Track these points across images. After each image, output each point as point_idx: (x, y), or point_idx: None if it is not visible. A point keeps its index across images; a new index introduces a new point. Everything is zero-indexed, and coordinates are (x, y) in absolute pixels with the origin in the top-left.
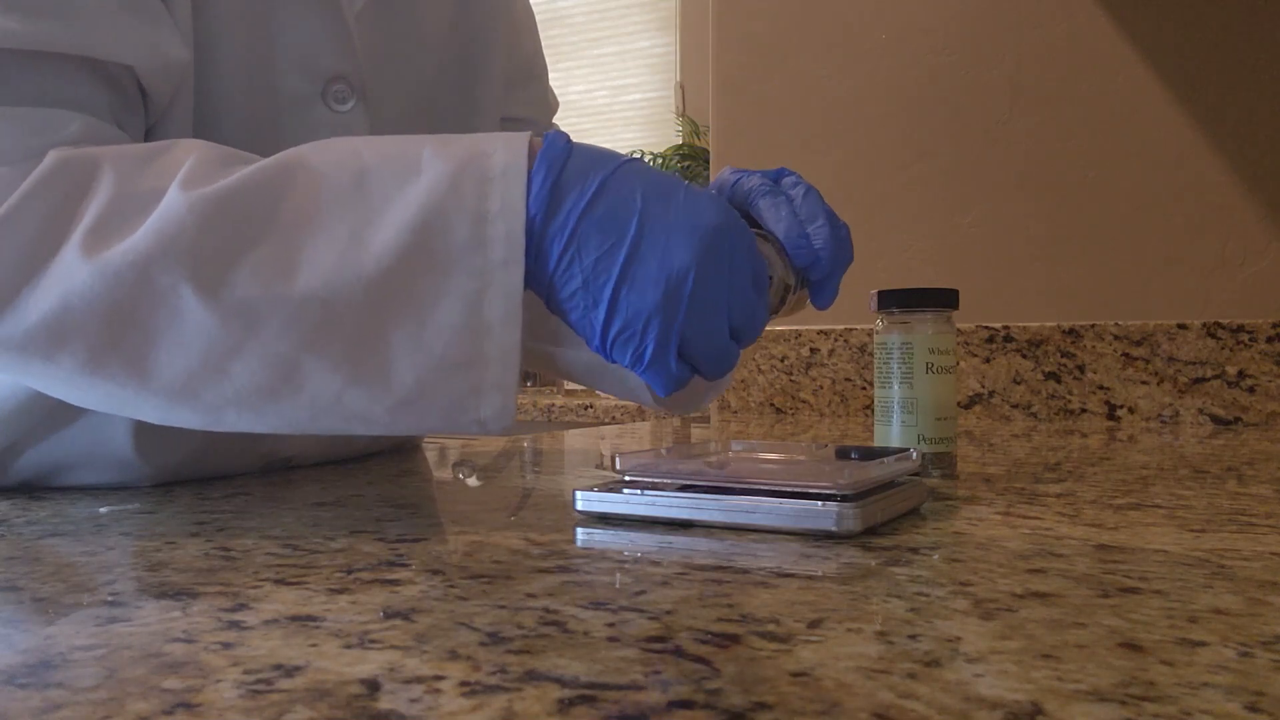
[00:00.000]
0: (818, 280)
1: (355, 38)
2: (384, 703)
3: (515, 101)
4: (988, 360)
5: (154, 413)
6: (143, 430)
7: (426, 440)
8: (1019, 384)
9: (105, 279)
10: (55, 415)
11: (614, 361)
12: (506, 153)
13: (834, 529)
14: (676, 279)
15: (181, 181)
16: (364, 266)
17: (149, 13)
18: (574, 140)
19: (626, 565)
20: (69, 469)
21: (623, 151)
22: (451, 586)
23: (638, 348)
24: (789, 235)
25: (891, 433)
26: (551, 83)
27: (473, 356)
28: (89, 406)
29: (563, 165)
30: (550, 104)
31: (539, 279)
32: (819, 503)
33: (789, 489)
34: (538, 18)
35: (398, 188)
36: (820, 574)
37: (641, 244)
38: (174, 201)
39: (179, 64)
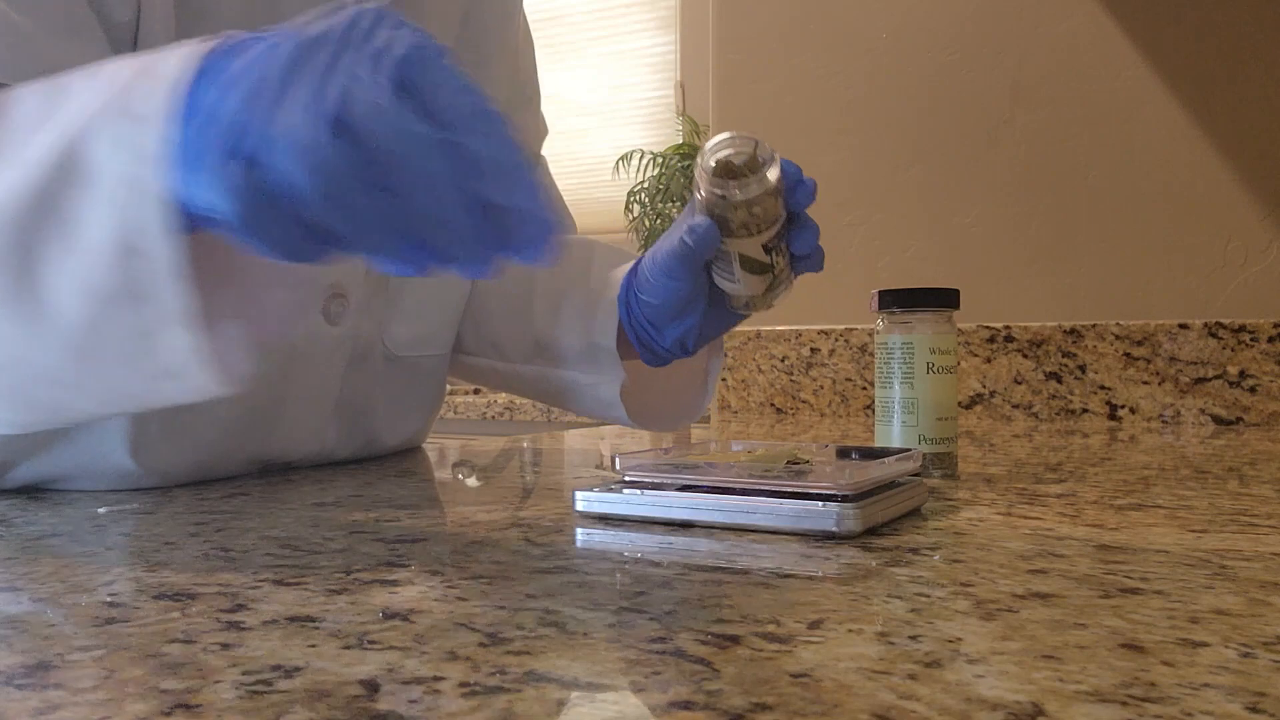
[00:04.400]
0: (799, 210)
1: None
2: (383, 704)
3: None
4: (989, 360)
5: None
6: (140, 439)
7: (427, 440)
8: (1020, 384)
9: None
10: (49, 434)
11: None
12: (189, 45)
13: (834, 529)
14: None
15: None
16: (13, 183)
17: (87, 38)
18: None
19: (626, 566)
20: (67, 479)
21: (623, 150)
22: (451, 587)
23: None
24: (781, 160)
25: (892, 433)
26: (551, 82)
27: (131, 285)
28: None
29: (237, 41)
30: (540, 130)
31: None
32: (819, 503)
33: (789, 489)
34: (537, 17)
35: (76, 97)
36: (821, 575)
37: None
38: None
39: None
